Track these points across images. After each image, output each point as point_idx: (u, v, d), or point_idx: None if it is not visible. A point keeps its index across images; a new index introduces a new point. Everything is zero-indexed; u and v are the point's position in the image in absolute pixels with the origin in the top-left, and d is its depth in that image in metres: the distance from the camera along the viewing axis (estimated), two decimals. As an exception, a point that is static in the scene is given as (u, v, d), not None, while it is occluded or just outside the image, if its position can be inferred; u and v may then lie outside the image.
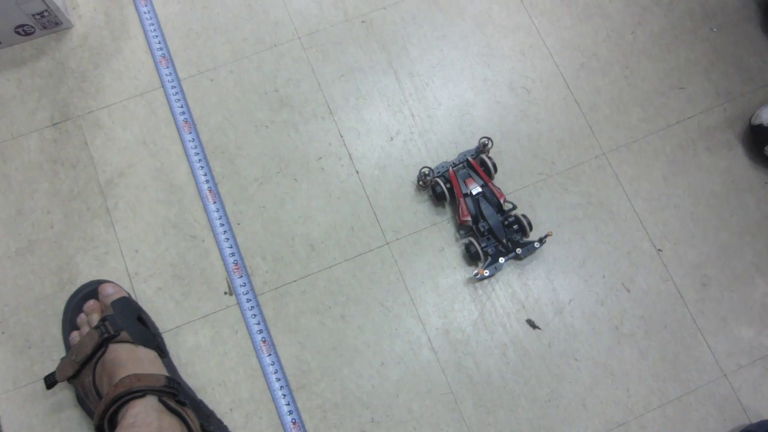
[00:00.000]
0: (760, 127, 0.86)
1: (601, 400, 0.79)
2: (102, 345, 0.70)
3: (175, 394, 0.67)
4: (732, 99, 0.91)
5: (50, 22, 0.85)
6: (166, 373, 0.70)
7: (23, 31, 0.84)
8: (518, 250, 0.81)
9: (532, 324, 0.81)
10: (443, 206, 0.85)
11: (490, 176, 0.84)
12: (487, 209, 0.81)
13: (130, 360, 0.69)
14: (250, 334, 0.79)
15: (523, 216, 0.82)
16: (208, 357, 0.78)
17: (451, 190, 0.82)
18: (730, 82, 0.92)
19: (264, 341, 0.79)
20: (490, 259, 0.81)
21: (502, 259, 0.80)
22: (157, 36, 0.88)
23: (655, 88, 0.91)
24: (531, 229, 0.81)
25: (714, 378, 0.81)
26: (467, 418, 0.78)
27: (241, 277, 0.80)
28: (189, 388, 0.75)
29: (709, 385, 0.81)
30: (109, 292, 0.75)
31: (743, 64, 0.92)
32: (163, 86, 0.87)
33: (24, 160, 0.83)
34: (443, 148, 0.87)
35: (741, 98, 0.91)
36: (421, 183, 0.84)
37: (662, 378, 0.80)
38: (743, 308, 0.83)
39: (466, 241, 0.82)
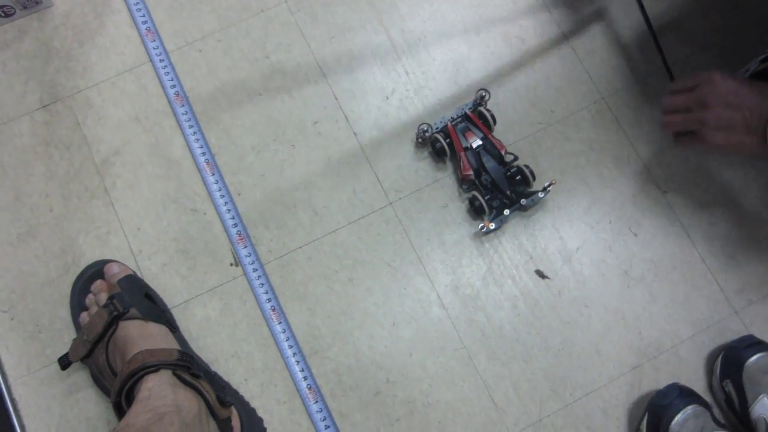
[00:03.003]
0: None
1: (614, 345, 0.79)
2: (112, 323, 0.69)
3: (188, 367, 0.67)
4: (728, 34, 0.89)
5: (30, 2, 0.83)
6: (179, 347, 0.70)
7: (3, 12, 0.83)
8: (523, 201, 0.80)
9: (540, 274, 0.81)
10: (444, 162, 0.84)
11: (490, 128, 0.82)
12: (488, 162, 0.81)
13: (142, 336, 0.68)
14: (259, 303, 0.78)
15: (526, 166, 0.81)
16: (218, 329, 0.78)
17: (450, 144, 0.81)
18: (725, 25, 0.90)
19: (273, 310, 0.78)
20: (494, 211, 0.80)
21: (506, 211, 0.80)
22: (140, 9, 0.86)
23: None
24: (534, 178, 0.81)
25: (725, 316, 0.81)
26: (481, 372, 0.78)
27: (246, 247, 0.80)
28: (202, 361, 0.75)
29: (721, 323, 0.81)
30: (114, 271, 0.75)
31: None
32: (151, 60, 0.85)
33: (17, 145, 0.82)
34: (440, 104, 0.86)
35: (741, 35, 0.89)
36: (420, 140, 0.83)
37: (674, 319, 0.80)
38: (751, 244, 0.83)
39: (469, 195, 0.81)
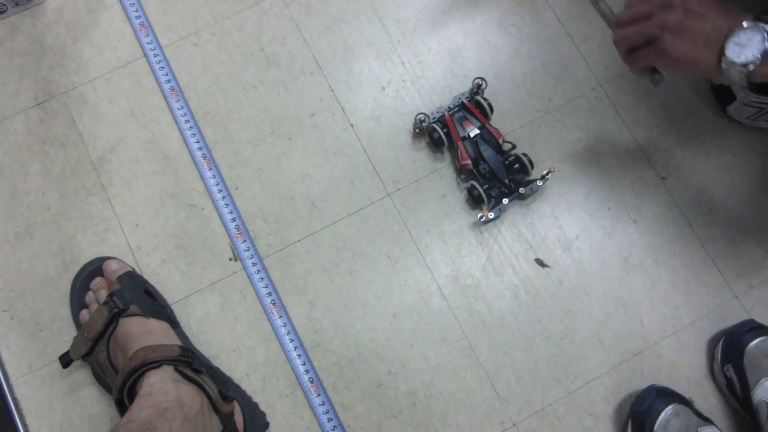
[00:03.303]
0: (721, 86, 0.83)
1: (616, 333, 0.79)
2: (112, 320, 0.69)
3: (190, 362, 0.67)
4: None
5: (22, -1, 0.82)
6: (180, 343, 0.70)
7: (-5, 10, 0.82)
8: (521, 190, 0.80)
9: (540, 263, 0.81)
10: (442, 152, 0.84)
11: (487, 117, 0.82)
12: (486, 151, 0.80)
13: (142, 333, 0.68)
14: (259, 297, 0.78)
15: (524, 155, 0.80)
16: (219, 324, 0.78)
17: (448, 134, 0.81)
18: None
19: (274, 304, 0.78)
20: (493, 201, 0.80)
21: (505, 200, 0.80)
22: (133, 4, 0.86)
23: (648, 13, 0.88)
24: (532, 167, 0.80)
25: (726, 300, 0.81)
26: (483, 362, 0.78)
27: (245, 241, 0.80)
28: (204, 357, 0.75)
29: (722, 308, 0.81)
30: (113, 268, 0.74)
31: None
32: (145, 55, 0.85)
33: (12, 143, 0.81)
34: (437, 94, 0.85)
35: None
36: (417, 130, 0.83)
37: (674, 305, 0.80)
38: (751, 229, 0.83)
39: (467, 184, 0.81)
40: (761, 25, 0.58)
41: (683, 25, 0.61)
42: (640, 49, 0.66)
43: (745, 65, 0.58)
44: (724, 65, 0.59)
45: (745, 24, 0.58)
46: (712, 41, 0.60)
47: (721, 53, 0.59)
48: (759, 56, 0.58)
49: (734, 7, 0.62)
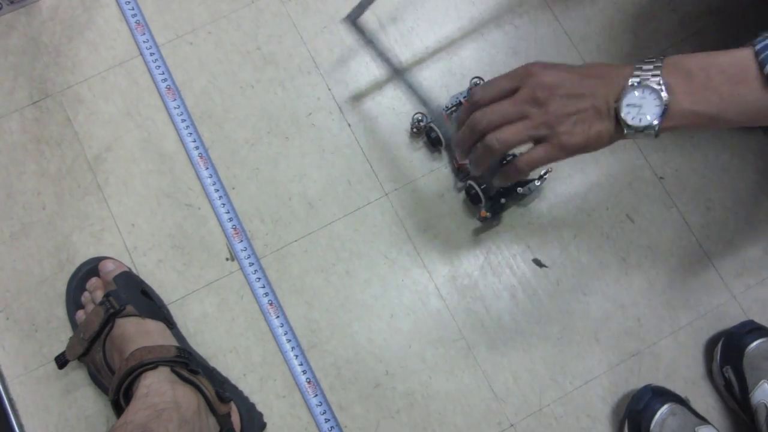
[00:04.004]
0: None
1: (613, 333, 0.79)
2: (109, 320, 0.69)
3: (186, 363, 0.66)
4: (724, 17, 0.88)
5: (17, -3, 0.82)
6: (176, 344, 0.70)
7: (-10, 9, 0.82)
8: (519, 190, 0.79)
9: (538, 263, 0.81)
10: (439, 152, 0.83)
11: (485, 117, 0.82)
12: (484, 151, 0.80)
13: (139, 333, 0.68)
14: (256, 297, 0.78)
15: (521, 154, 0.80)
16: (216, 324, 0.77)
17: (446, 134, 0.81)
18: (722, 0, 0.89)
19: (271, 304, 0.78)
20: (491, 201, 0.80)
21: (503, 200, 0.79)
22: (130, 2, 0.85)
23: (646, 12, 0.88)
24: (530, 167, 0.80)
25: (723, 301, 0.81)
26: (481, 363, 0.78)
27: (242, 241, 0.79)
28: (200, 357, 0.75)
29: (719, 308, 0.81)
30: (110, 268, 0.74)
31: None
32: (141, 54, 0.84)
33: (7, 142, 0.81)
34: (434, 93, 0.85)
35: (735, 16, 0.89)
36: (414, 130, 0.82)
37: (672, 305, 0.80)
38: (749, 229, 0.83)
39: (465, 184, 0.81)
40: (646, 79, 0.53)
41: (569, 114, 0.55)
42: (506, 164, 0.63)
43: (649, 127, 0.53)
44: (627, 133, 0.54)
45: (630, 82, 0.54)
46: (602, 113, 0.55)
47: (618, 121, 0.54)
48: (659, 116, 0.53)
49: (605, 65, 0.58)
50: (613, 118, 0.55)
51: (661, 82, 0.53)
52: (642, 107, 0.53)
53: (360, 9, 0.77)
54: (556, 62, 0.58)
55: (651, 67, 0.54)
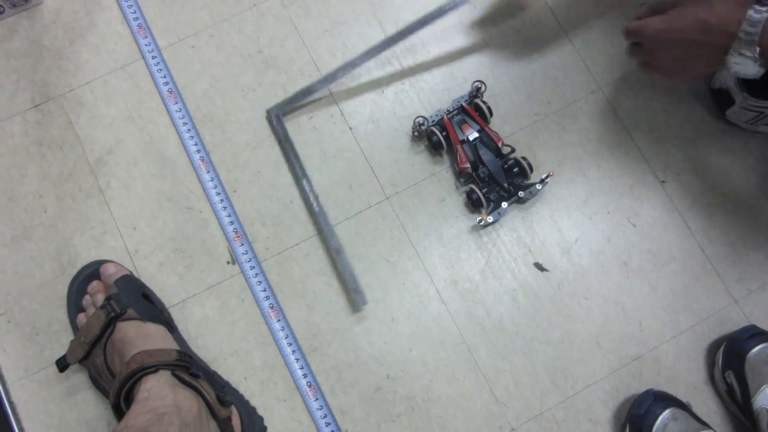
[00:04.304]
0: (720, 90, 0.83)
1: (615, 337, 0.79)
2: (110, 324, 0.69)
3: (187, 367, 0.66)
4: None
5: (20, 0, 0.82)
6: (177, 348, 0.70)
7: (-7, 12, 0.82)
8: (520, 193, 0.79)
9: (539, 267, 0.81)
10: (441, 155, 0.83)
11: (486, 120, 0.82)
12: (485, 154, 0.80)
13: (140, 337, 0.68)
14: (257, 301, 0.78)
15: (523, 158, 0.80)
16: (217, 328, 0.77)
17: (447, 137, 0.81)
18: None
19: (272, 307, 0.78)
20: (492, 204, 0.80)
21: (504, 204, 0.79)
22: (132, 5, 0.85)
23: (648, 17, 0.88)
24: (531, 170, 0.80)
25: (725, 305, 0.81)
26: (482, 366, 0.78)
27: (243, 245, 0.79)
28: (201, 361, 0.75)
29: (721, 312, 0.80)
30: (111, 272, 0.74)
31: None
32: (143, 57, 0.84)
33: (9, 145, 0.81)
34: (436, 96, 0.85)
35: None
36: (416, 133, 0.82)
37: (673, 309, 0.80)
38: (750, 233, 0.83)
39: (466, 188, 0.81)
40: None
41: None
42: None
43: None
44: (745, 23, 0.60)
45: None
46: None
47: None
48: None
49: None
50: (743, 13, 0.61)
51: None
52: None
53: (285, 105, 0.82)
54: None
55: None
